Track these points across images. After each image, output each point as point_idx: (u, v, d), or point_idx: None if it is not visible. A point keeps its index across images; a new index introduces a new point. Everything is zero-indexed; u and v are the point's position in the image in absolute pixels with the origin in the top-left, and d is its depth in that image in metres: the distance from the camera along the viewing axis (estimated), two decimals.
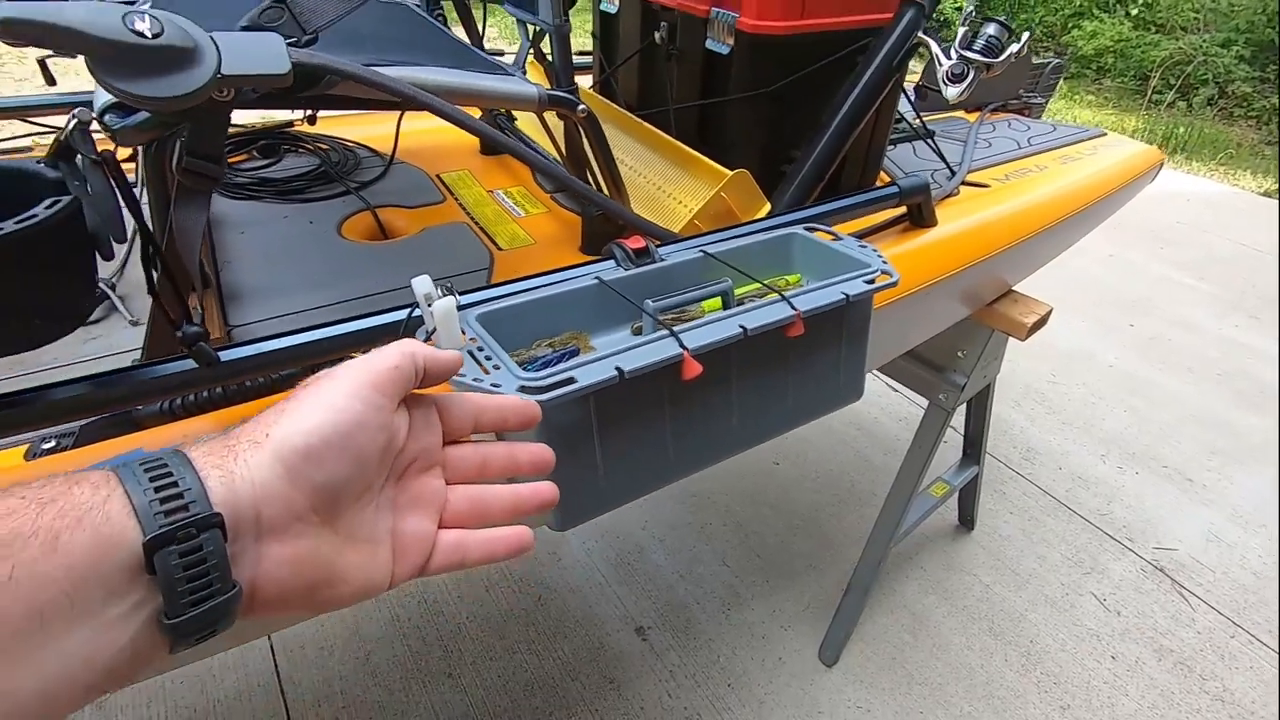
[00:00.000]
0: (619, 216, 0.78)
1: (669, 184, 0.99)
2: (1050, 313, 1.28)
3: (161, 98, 0.50)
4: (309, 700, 1.46)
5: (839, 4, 0.95)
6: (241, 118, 1.18)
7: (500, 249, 0.97)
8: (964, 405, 1.52)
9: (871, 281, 0.70)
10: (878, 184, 1.20)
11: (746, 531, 1.89)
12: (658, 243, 0.76)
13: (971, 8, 0.94)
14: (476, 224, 1.04)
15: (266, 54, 0.55)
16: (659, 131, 1.00)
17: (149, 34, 0.49)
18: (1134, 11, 7.15)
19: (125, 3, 0.74)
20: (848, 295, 0.68)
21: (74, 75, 0.83)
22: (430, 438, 0.38)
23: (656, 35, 1.08)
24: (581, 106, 0.76)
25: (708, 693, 1.51)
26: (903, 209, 1.04)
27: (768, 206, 0.91)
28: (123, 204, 0.59)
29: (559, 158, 0.99)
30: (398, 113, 1.14)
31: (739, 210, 0.89)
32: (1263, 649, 1.65)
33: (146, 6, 0.49)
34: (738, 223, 0.86)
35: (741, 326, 0.62)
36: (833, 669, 1.57)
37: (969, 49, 0.92)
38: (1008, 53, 0.90)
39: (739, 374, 0.66)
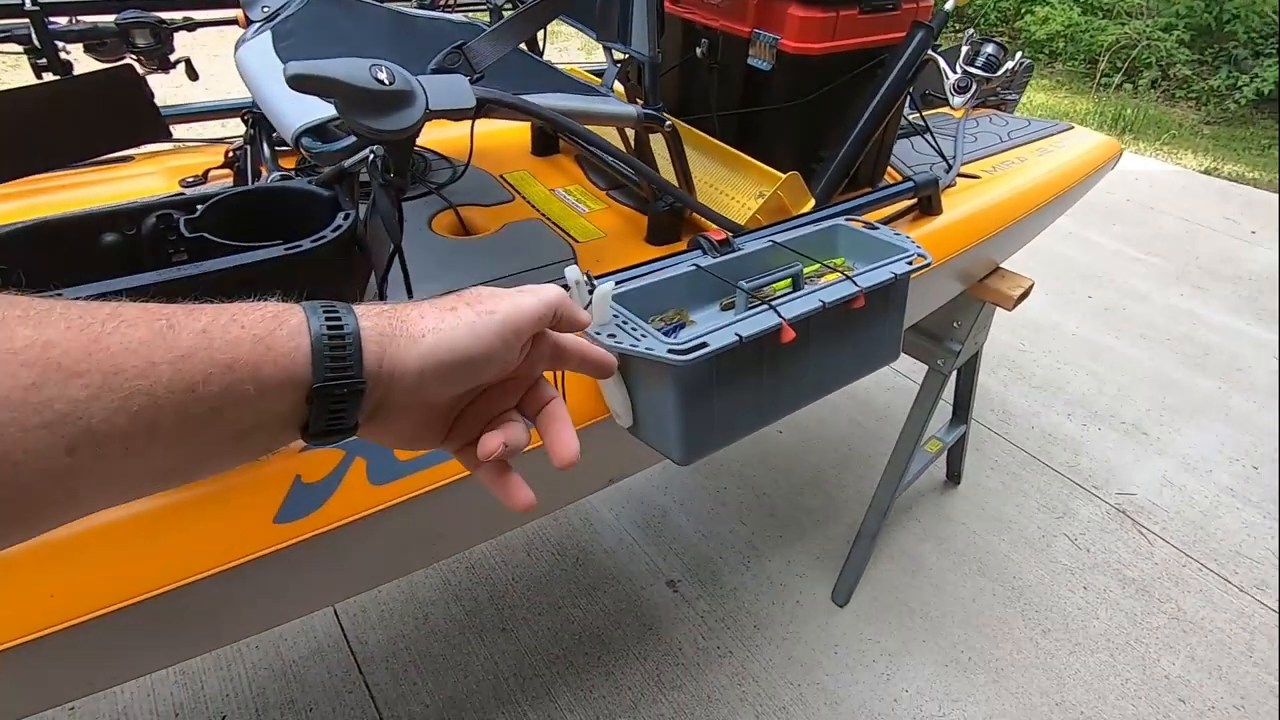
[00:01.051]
0: (701, 213, 0.94)
1: (720, 182, 1.14)
2: (1032, 286, 1.48)
3: (392, 130, 0.64)
4: (378, 657, 1.60)
5: (862, 26, 1.11)
6: None
7: (578, 241, 1.11)
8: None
9: (911, 263, 0.88)
10: (888, 179, 1.38)
11: (758, 493, 2.07)
12: (732, 234, 0.92)
13: (973, 30, 1.12)
14: (548, 219, 1.18)
15: (458, 93, 0.69)
16: (708, 136, 1.16)
17: (387, 82, 0.63)
18: None
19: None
20: (896, 274, 0.85)
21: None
22: (536, 366, 0.45)
23: (698, 50, 1.23)
24: (668, 124, 0.91)
25: (736, 634, 1.70)
26: (913, 200, 1.22)
27: (812, 202, 1.07)
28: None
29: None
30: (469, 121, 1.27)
31: (790, 205, 1.05)
32: (1210, 575, 1.90)
33: (380, 62, 0.62)
34: (789, 216, 1.02)
35: (821, 301, 0.78)
36: (844, 609, 1.77)
37: (972, 65, 1.09)
38: (1004, 68, 1.08)
39: (815, 338, 0.83)
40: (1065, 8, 7.44)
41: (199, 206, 0.57)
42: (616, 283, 0.82)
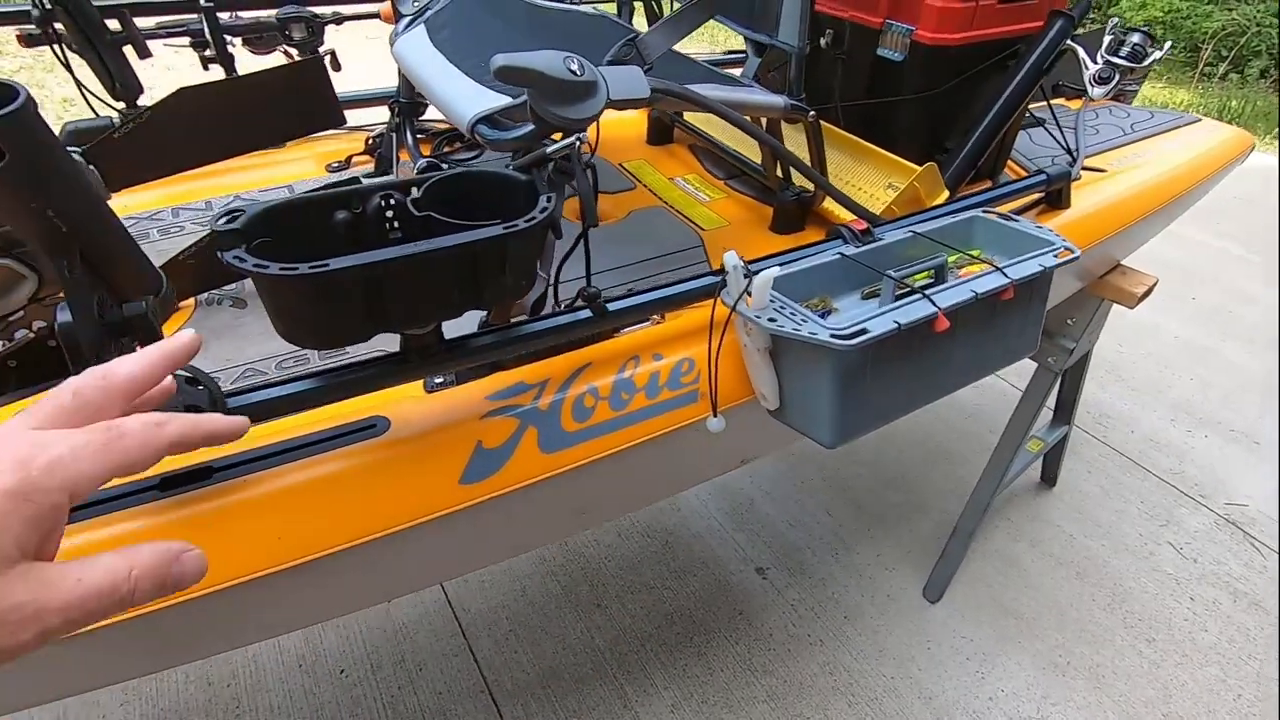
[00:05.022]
0: (844, 204, 0.95)
1: (844, 172, 1.15)
2: (1156, 284, 1.43)
3: (577, 118, 0.68)
4: (480, 624, 1.67)
5: (1000, 16, 1.10)
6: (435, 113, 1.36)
7: (704, 229, 1.14)
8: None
9: (1059, 255, 0.87)
10: (1007, 172, 1.35)
11: (843, 486, 2.07)
12: (872, 224, 0.93)
13: (1117, 19, 1.09)
14: (671, 207, 1.21)
15: (635, 83, 0.72)
16: (834, 127, 1.17)
17: (578, 73, 0.66)
18: None
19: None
20: (1044, 266, 0.85)
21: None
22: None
23: (822, 41, 1.23)
24: (811, 114, 0.93)
25: (827, 624, 1.71)
26: (1040, 193, 1.20)
27: (946, 193, 1.07)
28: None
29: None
30: None
31: (925, 196, 1.05)
32: None
33: (571, 55, 0.66)
34: (923, 207, 1.02)
35: (974, 291, 0.79)
36: (936, 605, 1.75)
37: (1115, 55, 1.07)
38: (1151, 58, 1.05)
39: (961, 328, 0.83)
40: None
41: (414, 189, 0.62)
42: (773, 268, 0.84)
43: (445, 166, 1.11)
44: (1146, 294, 1.40)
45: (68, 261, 0.46)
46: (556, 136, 0.79)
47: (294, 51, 1.32)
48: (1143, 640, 1.68)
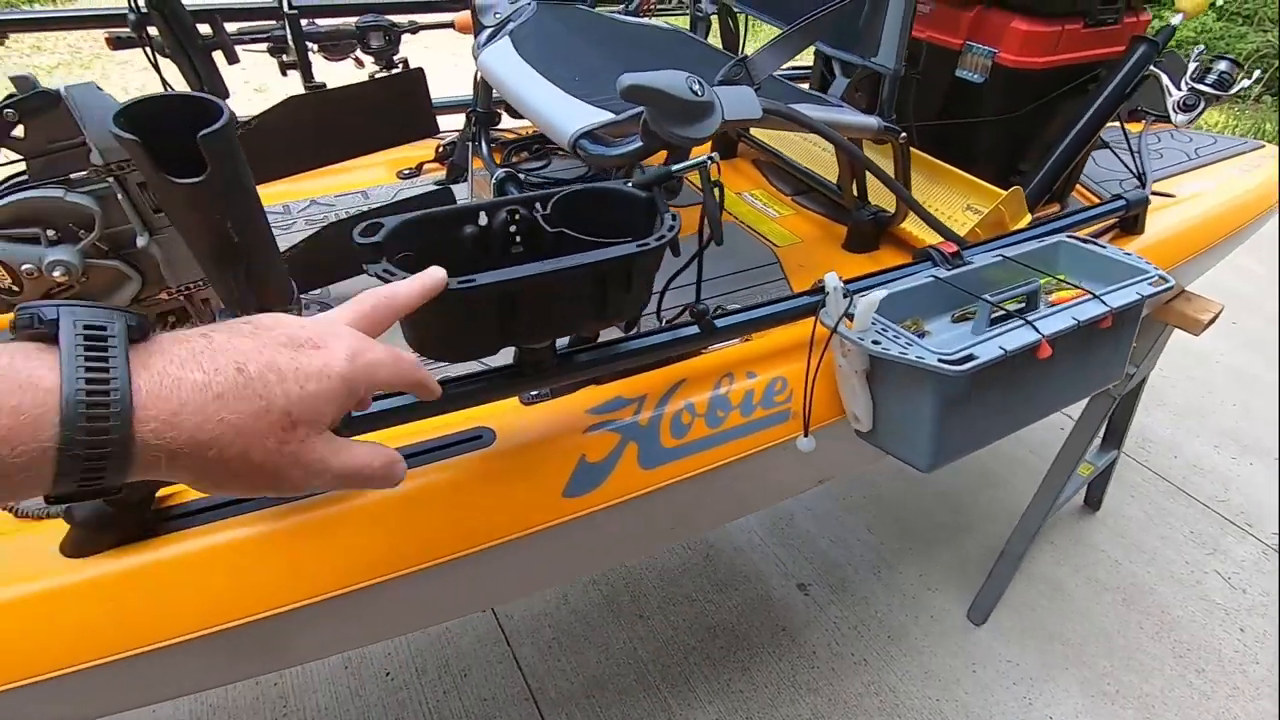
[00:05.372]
0: (935, 227, 0.95)
1: (920, 192, 1.15)
2: (1222, 310, 1.41)
3: (695, 138, 0.68)
4: (524, 631, 1.67)
5: (1083, 40, 1.10)
6: (508, 123, 1.36)
7: (778, 246, 1.14)
8: None
9: (1154, 284, 0.86)
10: (1074, 195, 1.35)
11: (885, 504, 2.06)
12: (961, 248, 0.93)
13: (1202, 46, 1.08)
14: (742, 223, 1.21)
15: (748, 104, 0.73)
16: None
17: (698, 93, 0.67)
18: (1219, 2, 7.00)
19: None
20: (1142, 295, 0.84)
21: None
22: None
23: None
24: (902, 135, 0.93)
25: (870, 643, 1.69)
26: (1115, 218, 1.19)
27: (1028, 217, 1.06)
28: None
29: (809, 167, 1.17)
30: None
31: (1009, 220, 1.05)
32: None
33: (692, 75, 0.66)
34: (1006, 231, 1.02)
35: (1075, 319, 0.79)
36: (981, 628, 1.74)
37: (1201, 82, 1.06)
38: (1238, 87, 1.04)
39: (1057, 355, 0.83)
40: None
41: (538, 204, 0.62)
42: (859, 291, 0.84)
43: (522, 176, 1.11)
44: (1212, 320, 1.39)
45: (235, 272, 0.47)
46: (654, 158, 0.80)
47: (366, 59, 1.33)
48: (1192, 671, 1.66)
